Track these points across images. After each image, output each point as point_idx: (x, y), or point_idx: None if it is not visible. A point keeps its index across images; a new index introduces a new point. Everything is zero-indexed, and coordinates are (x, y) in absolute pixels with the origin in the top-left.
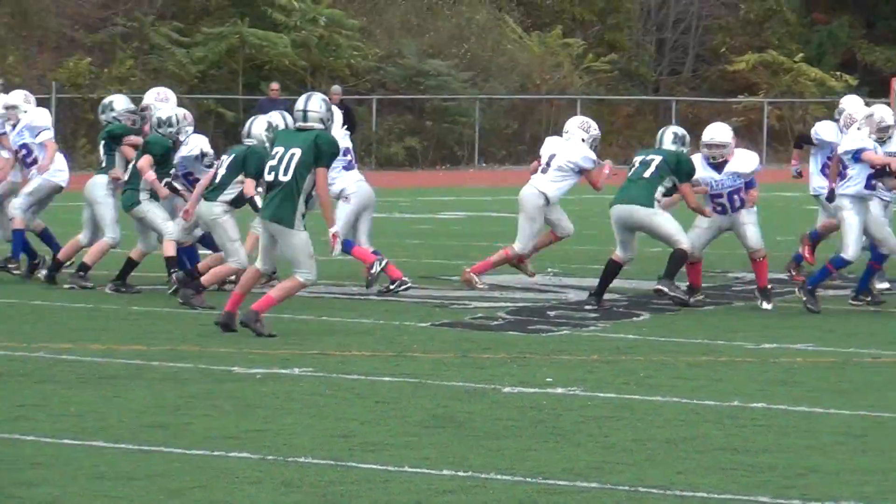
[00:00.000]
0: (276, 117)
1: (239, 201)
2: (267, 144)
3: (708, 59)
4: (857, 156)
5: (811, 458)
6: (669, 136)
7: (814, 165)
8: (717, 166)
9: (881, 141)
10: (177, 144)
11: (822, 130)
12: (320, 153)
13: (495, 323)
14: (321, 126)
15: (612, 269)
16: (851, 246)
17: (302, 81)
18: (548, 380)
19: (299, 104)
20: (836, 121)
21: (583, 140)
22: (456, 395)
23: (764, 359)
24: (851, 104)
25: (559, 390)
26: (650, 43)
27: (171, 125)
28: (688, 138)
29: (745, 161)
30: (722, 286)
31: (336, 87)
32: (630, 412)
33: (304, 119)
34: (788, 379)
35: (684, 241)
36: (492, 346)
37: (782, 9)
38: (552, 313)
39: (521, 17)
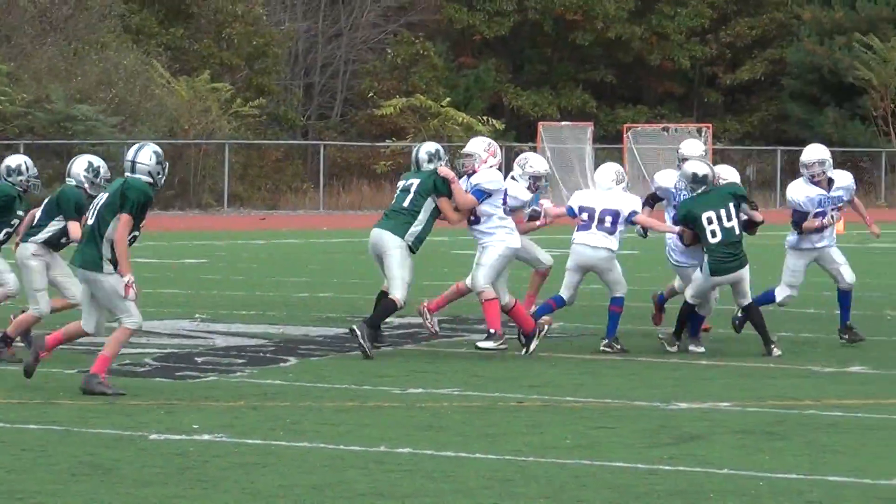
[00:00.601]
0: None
1: (54, 242)
2: (85, 185)
3: (356, 103)
4: (629, 218)
5: (457, 503)
6: (424, 156)
7: (667, 218)
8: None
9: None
10: (25, 193)
11: (661, 179)
12: (125, 199)
13: (143, 369)
14: (149, 179)
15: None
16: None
17: None
18: (194, 426)
19: (129, 154)
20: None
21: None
22: (103, 442)
23: (410, 403)
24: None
25: (205, 437)
26: (298, 87)
27: (20, 173)
28: (442, 151)
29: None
30: None
31: None
32: (276, 458)
33: (132, 170)
34: (435, 423)
35: (400, 293)
36: (139, 393)
37: (429, 53)
38: (199, 359)
39: (168, 61)
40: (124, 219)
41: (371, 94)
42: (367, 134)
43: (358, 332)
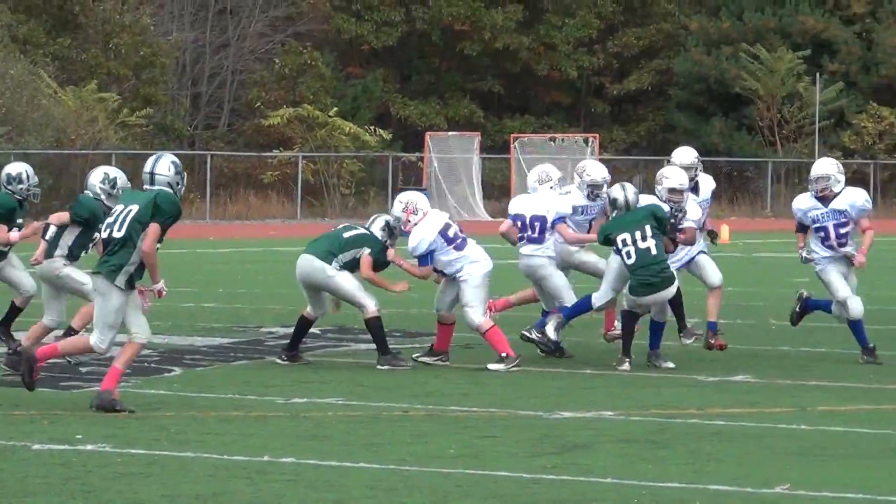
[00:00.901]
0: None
1: (79, 251)
2: (102, 196)
3: (243, 113)
4: (554, 223)
5: None
6: (380, 222)
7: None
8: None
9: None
10: (24, 202)
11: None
12: (158, 210)
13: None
14: (168, 189)
15: (303, 325)
16: (567, 293)
17: None
18: (77, 436)
19: (147, 166)
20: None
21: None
22: None
23: (294, 413)
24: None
25: (89, 447)
26: (185, 97)
27: (20, 182)
28: (399, 230)
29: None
30: (254, 341)
31: None
32: (160, 468)
33: (151, 182)
34: (319, 433)
35: (369, 303)
36: (22, 403)
37: (317, 63)
38: (84, 370)
39: (56, 71)
40: (153, 228)
41: (258, 104)
42: (254, 144)
43: (386, 367)
